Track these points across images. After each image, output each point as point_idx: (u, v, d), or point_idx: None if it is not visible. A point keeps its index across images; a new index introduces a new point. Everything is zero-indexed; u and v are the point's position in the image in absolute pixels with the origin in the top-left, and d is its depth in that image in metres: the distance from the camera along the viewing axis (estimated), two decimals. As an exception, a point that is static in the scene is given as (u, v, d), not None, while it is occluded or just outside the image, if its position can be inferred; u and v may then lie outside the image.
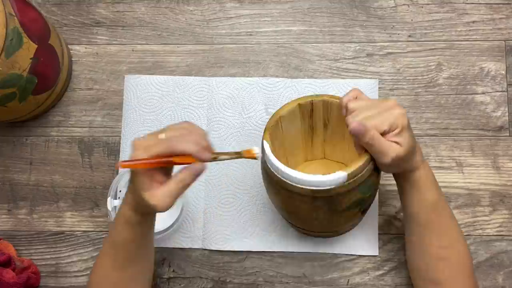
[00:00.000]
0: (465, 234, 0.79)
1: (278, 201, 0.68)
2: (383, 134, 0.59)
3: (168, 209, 0.57)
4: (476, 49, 0.84)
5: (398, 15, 0.86)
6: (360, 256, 0.80)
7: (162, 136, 0.57)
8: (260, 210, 0.81)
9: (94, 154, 0.85)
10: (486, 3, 0.85)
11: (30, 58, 0.74)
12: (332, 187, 0.60)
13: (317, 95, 0.69)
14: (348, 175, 0.60)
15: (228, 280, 0.81)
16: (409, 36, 0.85)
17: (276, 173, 0.63)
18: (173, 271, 0.81)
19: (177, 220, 0.78)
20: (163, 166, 0.57)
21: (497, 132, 0.82)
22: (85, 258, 0.83)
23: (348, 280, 0.79)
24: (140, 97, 0.85)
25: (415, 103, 0.83)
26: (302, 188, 0.61)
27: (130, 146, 0.58)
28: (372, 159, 0.62)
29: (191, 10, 0.88)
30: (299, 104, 0.69)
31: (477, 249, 0.79)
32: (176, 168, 0.58)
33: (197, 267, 0.81)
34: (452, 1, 0.86)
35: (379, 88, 0.84)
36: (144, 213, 0.60)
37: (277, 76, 0.85)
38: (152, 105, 0.85)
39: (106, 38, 0.88)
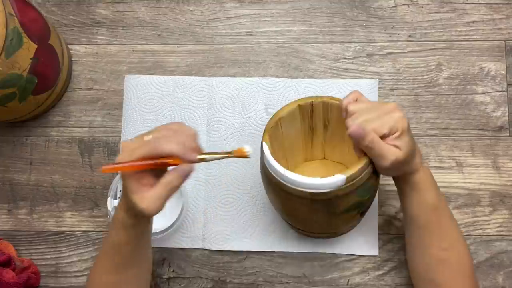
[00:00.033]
0: (465, 234, 0.79)
1: (277, 203, 0.68)
2: (383, 137, 0.59)
3: (158, 212, 0.56)
4: (476, 49, 0.84)
5: (398, 15, 0.86)
6: (360, 256, 0.80)
7: (148, 137, 0.56)
8: (260, 210, 0.81)
9: (94, 154, 0.85)
10: (486, 3, 0.85)
11: (30, 58, 0.74)
12: (331, 190, 0.60)
13: (317, 97, 0.69)
14: (347, 178, 0.60)
15: (228, 280, 0.81)
16: (409, 36, 0.85)
17: (274, 175, 0.63)
18: (173, 271, 0.81)
19: (177, 220, 0.78)
20: (153, 168, 0.56)
21: (497, 132, 0.82)
22: (85, 258, 0.83)
23: (348, 280, 0.79)
24: (140, 97, 0.85)
25: (415, 103, 0.83)
26: (301, 190, 0.61)
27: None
28: (371, 162, 0.62)
29: (191, 10, 0.88)
30: (299, 105, 0.69)
31: (477, 249, 0.79)
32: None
33: (197, 267, 0.81)
34: (452, 1, 0.86)
35: (379, 88, 0.84)
36: (138, 216, 0.58)
37: (277, 76, 0.85)
38: (152, 105, 0.85)
39: (106, 38, 0.88)
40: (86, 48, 0.88)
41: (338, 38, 0.86)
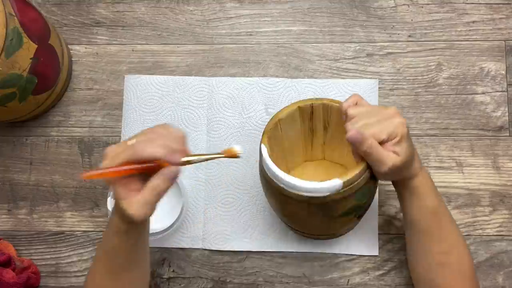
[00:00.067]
0: (465, 234, 0.79)
1: (276, 205, 0.69)
2: (382, 142, 0.59)
3: (147, 217, 0.55)
4: (476, 49, 0.84)
5: (398, 15, 0.86)
6: (360, 256, 0.80)
7: (132, 141, 0.55)
8: (260, 210, 0.81)
9: (94, 154, 0.85)
10: (486, 3, 0.85)
11: (30, 58, 0.74)
12: (328, 194, 0.60)
13: (317, 99, 0.69)
14: (344, 183, 0.60)
15: (228, 280, 0.81)
16: (409, 36, 0.85)
17: (272, 178, 0.63)
18: (173, 271, 0.81)
19: (177, 220, 0.78)
20: (141, 172, 0.55)
21: (497, 132, 0.82)
22: (85, 258, 0.83)
23: (348, 280, 0.79)
24: (140, 97, 0.85)
25: (415, 103, 0.83)
26: (298, 194, 0.61)
27: None
28: (369, 167, 0.61)
29: (191, 10, 0.88)
30: (299, 107, 0.69)
31: (477, 249, 0.79)
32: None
33: (197, 267, 0.81)
34: (452, 1, 0.86)
35: (379, 88, 0.84)
36: (130, 222, 0.57)
37: (277, 76, 0.85)
38: (152, 105, 0.85)
39: (106, 38, 0.88)
40: (86, 48, 0.88)
41: (338, 38, 0.86)
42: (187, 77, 0.86)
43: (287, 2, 0.88)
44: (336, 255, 0.80)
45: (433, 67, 0.84)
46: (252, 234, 0.81)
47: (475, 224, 0.80)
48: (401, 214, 0.79)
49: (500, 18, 0.85)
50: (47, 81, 0.80)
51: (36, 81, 0.77)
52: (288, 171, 0.79)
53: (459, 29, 0.85)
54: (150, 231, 0.77)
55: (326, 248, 0.80)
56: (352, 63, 0.85)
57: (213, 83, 0.85)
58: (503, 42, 0.84)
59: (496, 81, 0.83)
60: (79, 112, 0.87)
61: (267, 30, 0.87)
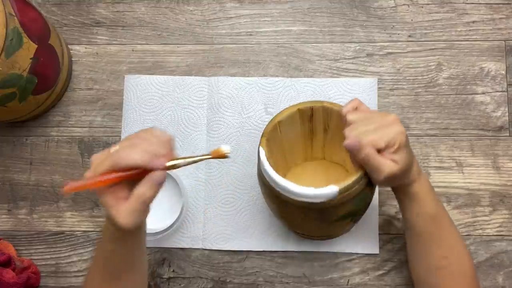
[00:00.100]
0: (465, 234, 0.79)
1: (273, 207, 0.69)
2: (380, 150, 0.59)
3: (136, 225, 0.54)
4: (476, 49, 0.84)
5: (398, 15, 0.86)
6: (360, 256, 0.80)
7: (115, 148, 0.54)
8: (260, 210, 0.81)
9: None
10: (486, 3, 0.85)
11: (30, 58, 0.74)
12: (324, 200, 0.60)
13: (317, 101, 0.69)
14: (340, 190, 0.60)
15: (228, 280, 0.81)
16: (409, 36, 0.85)
17: (270, 182, 0.63)
18: (173, 271, 0.81)
19: (177, 220, 0.78)
20: (126, 179, 0.53)
21: (497, 132, 0.82)
22: (85, 258, 0.83)
23: (348, 280, 0.79)
24: (140, 97, 0.85)
25: (415, 103, 0.83)
26: (295, 199, 0.61)
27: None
28: (366, 173, 0.61)
29: (191, 10, 0.88)
30: (299, 109, 0.68)
31: (477, 249, 0.79)
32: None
33: (197, 267, 0.81)
34: (452, 1, 0.86)
35: (379, 88, 0.84)
36: (122, 229, 0.55)
37: (277, 76, 0.85)
38: (152, 105, 0.85)
39: (106, 38, 0.88)
40: (86, 48, 0.88)
41: (338, 38, 0.86)
42: (187, 77, 0.86)
43: (287, 2, 0.88)
44: (336, 255, 0.80)
45: (433, 67, 0.84)
46: (252, 234, 0.81)
47: (475, 224, 0.80)
48: (401, 214, 0.79)
49: (500, 18, 0.85)
50: (47, 81, 0.80)
51: (36, 81, 0.77)
52: (287, 170, 0.79)
53: (459, 29, 0.85)
54: (150, 231, 0.77)
55: (326, 248, 0.80)
56: (352, 63, 0.85)
57: (213, 83, 0.85)
58: (503, 42, 0.84)
59: (496, 81, 0.83)
60: (79, 112, 0.87)
61: (267, 30, 0.87)
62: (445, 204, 0.80)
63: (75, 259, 0.83)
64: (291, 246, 0.80)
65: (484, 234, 0.79)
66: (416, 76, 0.84)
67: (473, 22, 0.85)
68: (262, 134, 0.67)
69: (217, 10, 0.88)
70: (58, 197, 0.84)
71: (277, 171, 0.62)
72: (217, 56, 0.87)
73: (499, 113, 0.82)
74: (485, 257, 0.79)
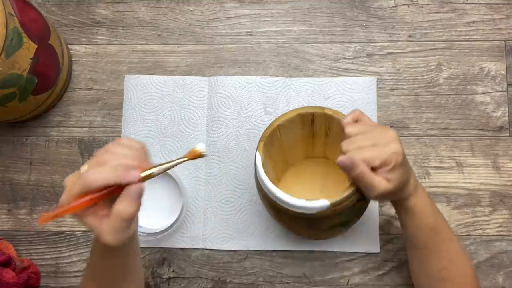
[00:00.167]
0: (465, 234, 0.79)
1: (269, 210, 0.70)
2: (374, 168, 0.58)
3: (124, 241, 0.51)
4: (476, 49, 0.84)
5: (398, 15, 0.86)
6: (360, 256, 0.80)
7: (84, 168, 0.51)
8: (260, 209, 0.81)
9: (94, 154, 0.85)
10: (486, 3, 0.85)
11: (30, 58, 0.74)
12: (315, 212, 0.61)
13: (317, 107, 0.68)
14: (331, 204, 0.60)
15: (228, 280, 0.81)
16: (409, 36, 0.85)
17: (263, 189, 0.64)
18: (173, 271, 0.81)
19: (177, 220, 0.78)
20: (103, 198, 0.51)
21: (497, 132, 0.82)
22: (85, 258, 0.82)
23: (348, 280, 0.79)
24: (140, 97, 0.85)
25: (415, 103, 0.83)
26: (287, 208, 0.62)
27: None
28: (358, 189, 0.61)
29: (191, 10, 0.88)
30: (300, 114, 0.68)
31: (477, 249, 0.79)
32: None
33: (197, 267, 0.81)
34: (452, 1, 0.86)
35: (379, 88, 0.84)
36: (110, 246, 0.52)
37: (277, 76, 0.85)
38: (152, 105, 0.85)
39: (106, 38, 0.88)
40: (86, 48, 0.88)
41: (338, 38, 0.86)
42: (187, 77, 0.86)
43: (287, 2, 0.88)
44: (336, 255, 0.80)
45: (433, 67, 0.84)
46: (252, 234, 0.81)
47: (475, 224, 0.80)
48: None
49: (500, 18, 0.85)
50: (47, 81, 0.80)
51: (36, 81, 0.77)
52: (288, 167, 0.79)
53: (459, 29, 0.85)
54: (150, 231, 0.77)
55: (327, 247, 0.80)
56: (352, 63, 0.85)
57: (213, 82, 0.85)
58: (503, 42, 0.84)
59: (496, 81, 0.83)
60: (79, 112, 0.87)
61: (267, 30, 0.87)
62: (445, 204, 0.80)
63: (75, 259, 0.83)
64: (291, 246, 0.80)
65: (484, 234, 0.79)
66: (416, 76, 0.84)
67: (473, 22, 0.85)
68: (260, 139, 0.67)
69: (217, 10, 0.88)
70: (58, 197, 0.84)
71: (276, 170, 0.63)
72: (217, 56, 0.87)
73: (499, 113, 0.82)
74: (485, 257, 0.79)
